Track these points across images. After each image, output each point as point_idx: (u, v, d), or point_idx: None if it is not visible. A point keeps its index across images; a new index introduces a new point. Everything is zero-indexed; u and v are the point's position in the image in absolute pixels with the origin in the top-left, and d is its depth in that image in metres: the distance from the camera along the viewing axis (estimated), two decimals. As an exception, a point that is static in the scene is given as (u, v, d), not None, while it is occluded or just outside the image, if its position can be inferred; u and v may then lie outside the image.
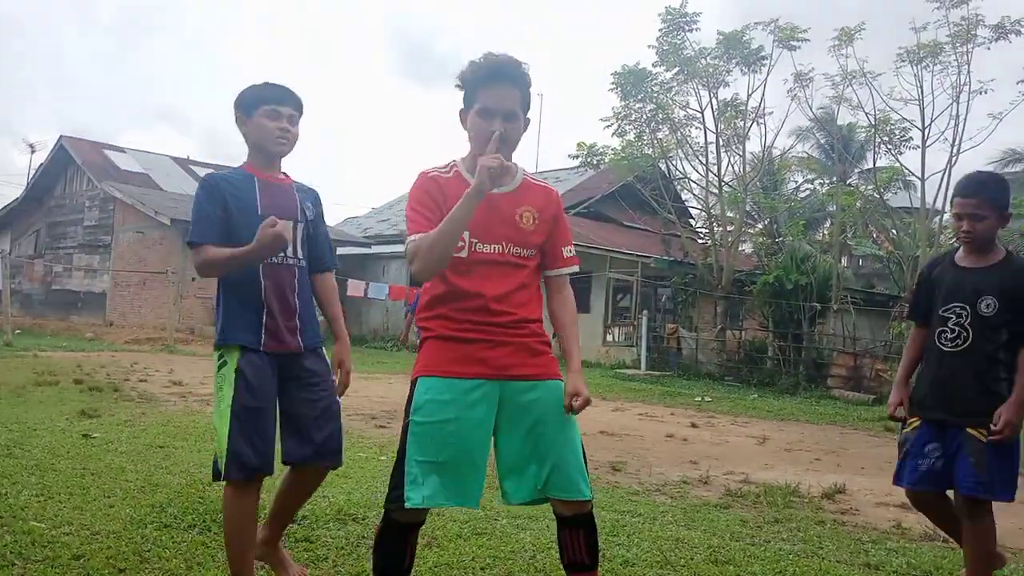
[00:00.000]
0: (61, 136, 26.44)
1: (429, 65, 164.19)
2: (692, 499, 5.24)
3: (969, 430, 3.01)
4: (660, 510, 4.76)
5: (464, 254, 2.42)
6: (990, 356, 3.03)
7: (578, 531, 2.53)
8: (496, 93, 2.44)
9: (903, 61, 16.62)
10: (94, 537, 3.43)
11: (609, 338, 20.83)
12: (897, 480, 3.26)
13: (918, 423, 3.18)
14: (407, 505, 2.35)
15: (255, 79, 2.97)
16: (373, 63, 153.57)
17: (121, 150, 27.74)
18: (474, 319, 2.42)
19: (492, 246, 2.45)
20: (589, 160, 21.14)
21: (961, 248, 3.23)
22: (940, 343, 3.12)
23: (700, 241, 22.21)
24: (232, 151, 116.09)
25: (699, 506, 5.00)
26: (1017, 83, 16.04)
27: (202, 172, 28.89)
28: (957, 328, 3.08)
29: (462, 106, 2.54)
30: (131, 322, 22.25)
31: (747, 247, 23.80)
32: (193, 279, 21.69)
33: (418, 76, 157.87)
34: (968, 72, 15.94)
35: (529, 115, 2.53)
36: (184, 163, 29.38)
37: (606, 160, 20.92)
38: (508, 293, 2.45)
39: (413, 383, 2.47)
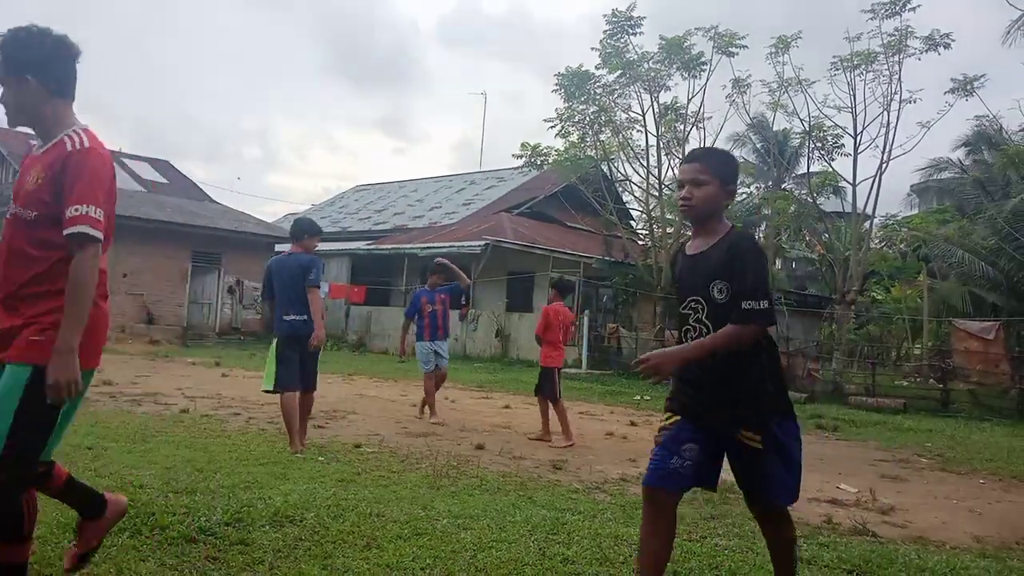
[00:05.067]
0: (-15, 125, 25.41)
1: (365, 61, 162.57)
2: (631, 496, 5.30)
3: (747, 435, 2.73)
4: (600, 507, 4.81)
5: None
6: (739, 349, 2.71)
7: None
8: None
9: (837, 69, 17.15)
10: (17, 542, 3.30)
11: (551, 338, 20.96)
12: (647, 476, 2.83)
13: (677, 419, 2.81)
14: None
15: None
16: (308, 58, 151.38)
17: (49, 141, 26.76)
18: None
19: (15, 208, 2.55)
20: (533, 160, 21.25)
21: (692, 234, 2.97)
22: (689, 341, 2.82)
23: (640, 242, 22.51)
24: (164, 144, 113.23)
25: (638, 503, 5.01)
26: (944, 93, 16.71)
27: (135, 165, 28.21)
28: (698, 325, 2.79)
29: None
30: (58, 319, 21.48)
31: (686, 249, 24.17)
32: (125, 275, 21.09)
33: (353, 73, 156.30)
34: (899, 81, 16.56)
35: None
36: (116, 156, 28.49)
37: (549, 161, 21.05)
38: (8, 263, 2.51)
39: None
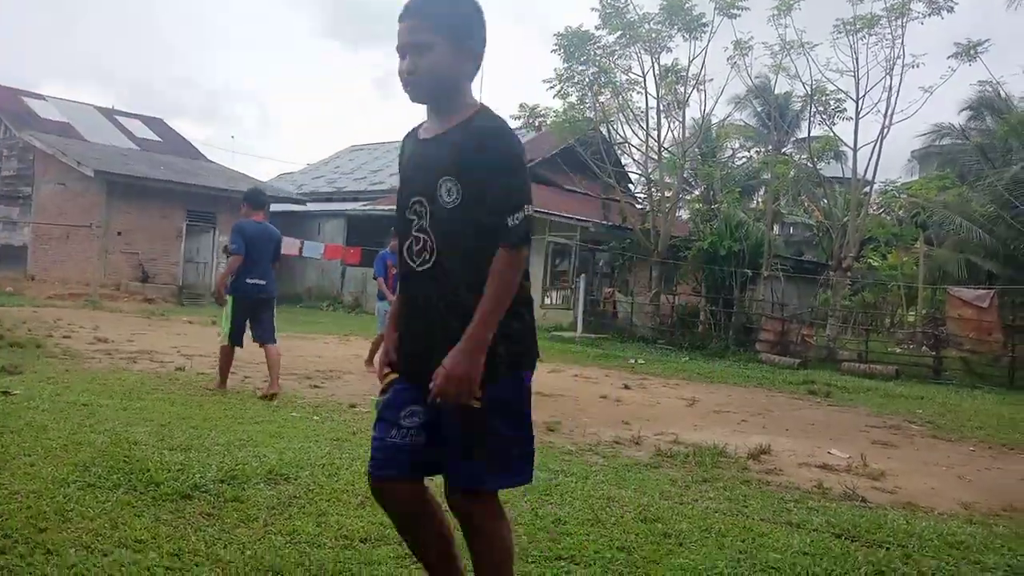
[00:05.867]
0: (-25, 80, 25.03)
1: (360, 18, 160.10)
2: (624, 459, 5.35)
3: None
4: (592, 469, 4.84)
5: None
6: (467, 275, 1.99)
7: None
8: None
9: (840, 32, 16.93)
10: (13, 497, 3.31)
11: (547, 301, 20.97)
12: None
13: (395, 377, 2.15)
14: None
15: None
16: (303, 14, 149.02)
17: (41, 97, 26.40)
18: None
19: None
20: (531, 122, 21.07)
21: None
22: (410, 259, 2.09)
23: (638, 206, 22.40)
24: (157, 104, 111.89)
25: (630, 465, 5.10)
26: (947, 58, 16.52)
27: (128, 123, 27.90)
28: (420, 236, 2.05)
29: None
30: (54, 277, 21.40)
31: (684, 213, 24.12)
32: (119, 233, 20.98)
33: (347, 31, 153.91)
34: (902, 45, 16.35)
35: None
36: (109, 113, 28.17)
37: (548, 122, 20.87)
38: None
39: None
